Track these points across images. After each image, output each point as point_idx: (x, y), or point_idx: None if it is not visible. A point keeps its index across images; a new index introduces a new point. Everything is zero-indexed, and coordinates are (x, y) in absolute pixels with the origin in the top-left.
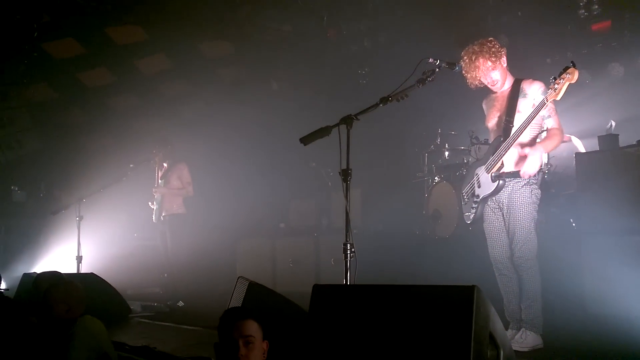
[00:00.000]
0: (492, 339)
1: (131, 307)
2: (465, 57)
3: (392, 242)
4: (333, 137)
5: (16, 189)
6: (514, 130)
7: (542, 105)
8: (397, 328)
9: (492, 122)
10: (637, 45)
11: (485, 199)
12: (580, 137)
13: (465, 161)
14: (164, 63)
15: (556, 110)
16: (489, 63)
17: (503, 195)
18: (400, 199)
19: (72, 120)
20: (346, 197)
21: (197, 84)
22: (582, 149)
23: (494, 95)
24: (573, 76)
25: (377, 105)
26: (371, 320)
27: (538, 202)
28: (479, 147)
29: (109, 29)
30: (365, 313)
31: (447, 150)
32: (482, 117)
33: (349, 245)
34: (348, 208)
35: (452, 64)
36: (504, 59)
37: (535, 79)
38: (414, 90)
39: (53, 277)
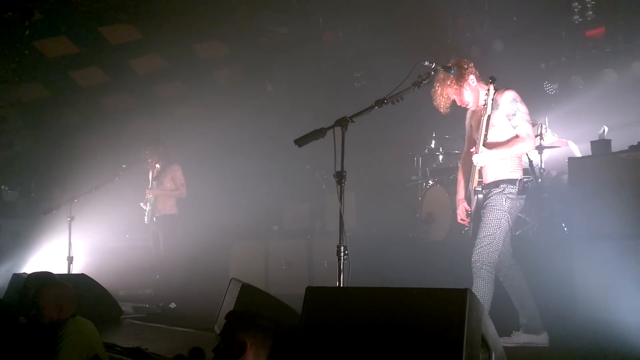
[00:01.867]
0: (484, 341)
1: (123, 309)
2: (434, 86)
3: (386, 245)
4: (328, 140)
5: (6, 188)
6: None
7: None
8: (390, 331)
9: (470, 138)
10: (631, 51)
11: (473, 213)
12: (576, 142)
13: (459, 165)
14: (158, 63)
15: (526, 119)
16: (451, 90)
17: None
18: (394, 202)
19: (64, 120)
20: (340, 199)
21: (191, 85)
22: (578, 154)
23: (472, 111)
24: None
25: (372, 107)
26: (364, 323)
27: (511, 212)
28: None
29: (102, 27)
30: (358, 315)
31: (441, 154)
32: None
33: (342, 248)
34: (342, 211)
35: (448, 67)
36: (471, 77)
37: (508, 87)
38: (409, 93)
39: (44, 278)
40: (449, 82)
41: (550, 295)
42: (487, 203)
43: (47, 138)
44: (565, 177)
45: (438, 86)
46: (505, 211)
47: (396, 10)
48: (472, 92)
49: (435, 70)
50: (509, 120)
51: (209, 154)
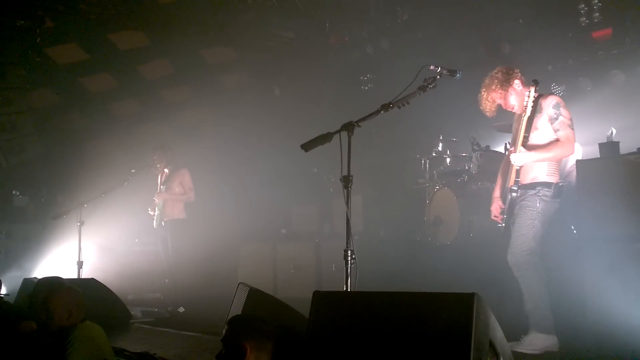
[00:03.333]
0: (492, 346)
1: (132, 313)
2: (480, 91)
3: (394, 248)
4: (335, 143)
5: (17, 193)
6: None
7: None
8: (397, 335)
9: (515, 139)
10: (638, 52)
11: (506, 210)
12: (581, 144)
13: (467, 168)
14: (166, 69)
15: (568, 124)
16: (497, 94)
17: (517, 205)
18: (401, 206)
19: (74, 125)
20: (347, 203)
21: (199, 90)
22: (579, 156)
23: (519, 114)
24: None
25: (378, 112)
26: (371, 327)
27: (544, 214)
28: (480, 154)
29: (111, 34)
30: (365, 320)
31: (448, 157)
32: (483, 124)
33: (349, 252)
34: (349, 214)
35: (453, 71)
36: (516, 82)
37: (552, 93)
38: (415, 97)
39: (54, 283)
40: (494, 87)
41: (559, 299)
42: (522, 204)
43: (58, 143)
44: (574, 179)
45: (484, 91)
46: (538, 212)
47: (402, 14)
48: (517, 96)
49: (440, 74)
50: (552, 124)
51: (216, 158)
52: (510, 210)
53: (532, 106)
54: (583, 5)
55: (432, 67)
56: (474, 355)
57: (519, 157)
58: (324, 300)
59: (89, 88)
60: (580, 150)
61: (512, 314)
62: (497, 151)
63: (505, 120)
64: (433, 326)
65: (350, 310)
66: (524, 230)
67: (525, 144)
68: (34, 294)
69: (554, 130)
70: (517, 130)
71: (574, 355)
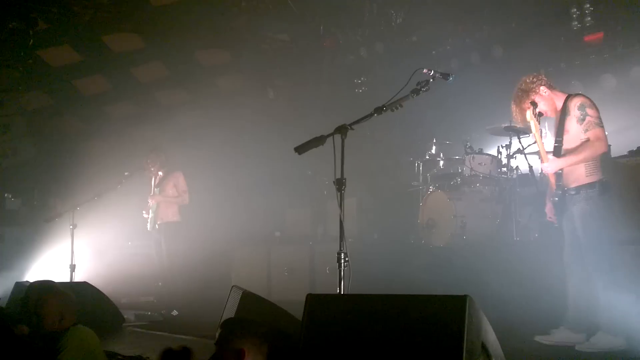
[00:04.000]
0: (484, 348)
1: (125, 316)
2: (511, 104)
3: (387, 250)
4: (329, 145)
5: (10, 196)
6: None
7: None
8: (390, 337)
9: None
10: (630, 56)
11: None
12: None
13: (460, 170)
14: (160, 71)
15: (595, 123)
16: (526, 105)
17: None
18: (395, 208)
19: (68, 128)
20: (340, 206)
21: (193, 92)
22: None
23: (554, 118)
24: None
25: (371, 115)
26: (364, 330)
27: (592, 215)
28: (473, 157)
29: (105, 36)
30: (358, 322)
31: (441, 160)
32: (476, 127)
33: (342, 255)
34: (342, 217)
35: (446, 74)
36: (542, 88)
37: (578, 94)
38: (408, 100)
39: (45, 286)
40: (520, 98)
41: (552, 301)
42: (573, 209)
43: (51, 146)
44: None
45: (513, 103)
46: (588, 215)
47: (396, 17)
48: (545, 102)
49: (433, 77)
50: (580, 125)
51: (210, 161)
52: (558, 212)
53: (561, 109)
54: (575, 10)
55: (425, 71)
56: (466, 358)
57: (549, 166)
58: (317, 303)
59: (82, 90)
60: None
61: (505, 316)
62: (490, 154)
63: (497, 124)
64: (426, 328)
65: (344, 313)
66: (581, 233)
67: (559, 149)
68: (26, 298)
69: (582, 130)
70: (555, 135)
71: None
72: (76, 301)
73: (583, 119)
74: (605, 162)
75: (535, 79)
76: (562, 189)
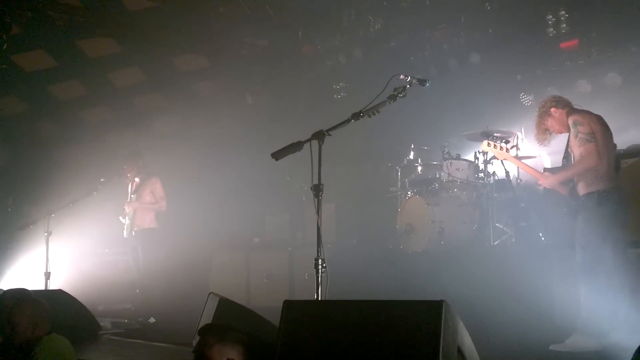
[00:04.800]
0: (460, 352)
1: (101, 324)
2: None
3: (366, 256)
4: (307, 151)
5: None
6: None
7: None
8: (367, 343)
9: None
10: (604, 63)
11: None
12: (548, 153)
13: (438, 176)
14: (137, 76)
15: (584, 139)
16: (544, 126)
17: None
18: (373, 214)
19: (43, 133)
20: (318, 212)
21: (171, 98)
22: (548, 164)
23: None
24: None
25: (348, 120)
26: (341, 336)
27: (589, 223)
28: (450, 162)
29: (81, 41)
30: (335, 328)
31: (419, 165)
32: (454, 133)
33: (320, 261)
34: (320, 223)
35: (423, 80)
36: (552, 110)
37: (575, 112)
38: (385, 106)
39: (19, 295)
40: (539, 120)
41: (528, 303)
42: (578, 217)
43: (25, 152)
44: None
45: (535, 126)
46: (586, 222)
47: (374, 23)
48: (555, 122)
49: (410, 83)
50: (576, 141)
51: (188, 167)
52: (572, 218)
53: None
54: (551, 17)
55: (402, 77)
56: None
57: (545, 182)
58: (294, 309)
59: (57, 96)
60: (549, 159)
61: (481, 320)
62: (468, 159)
63: (474, 129)
64: (402, 333)
65: (320, 319)
66: (582, 241)
67: (565, 165)
68: None
69: (578, 146)
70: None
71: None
72: (50, 309)
73: (576, 136)
74: (607, 173)
75: (546, 102)
76: (576, 198)
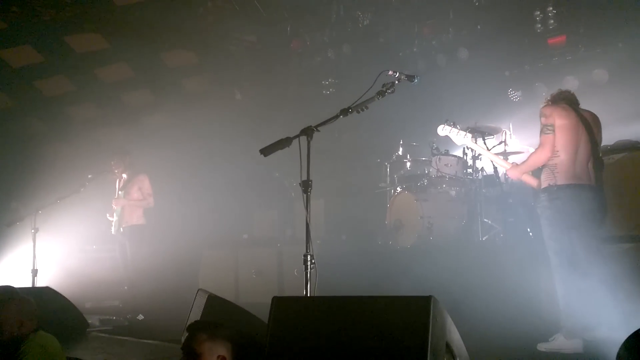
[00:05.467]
0: (448, 348)
1: (89, 322)
2: None
3: (355, 252)
4: (296, 147)
5: None
6: None
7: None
8: (355, 339)
9: None
10: (591, 59)
11: None
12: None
13: (427, 172)
14: (125, 72)
15: (541, 130)
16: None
17: None
18: (362, 210)
19: (30, 130)
20: (306, 208)
21: (159, 94)
22: None
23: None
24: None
25: (337, 116)
26: (330, 332)
27: (548, 217)
28: (439, 158)
29: (68, 36)
30: (323, 325)
31: (408, 161)
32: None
33: (309, 257)
34: (308, 219)
35: (411, 76)
36: (545, 109)
37: (546, 106)
38: (373, 102)
39: (5, 292)
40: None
41: (516, 299)
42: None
43: (12, 148)
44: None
45: None
46: (541, 218)
47: (362, 19)
48: (547, 119)
49: (399, 79)
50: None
51: (177, 163)
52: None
53: None
54: (539, 13)
55: (390, 72)
56: (431, 357)
57: (510, 173)
58: (282, 305)
59: (44, 91)
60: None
61: (469, 315)
62: (456, 155)
63: (462, 125)
64: (391, 329)
65: (309, 315)
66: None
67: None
68: None
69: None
70: None
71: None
72: (36, 307)
73: (540, 128)
74: (567, 169)
75: (543, 102)
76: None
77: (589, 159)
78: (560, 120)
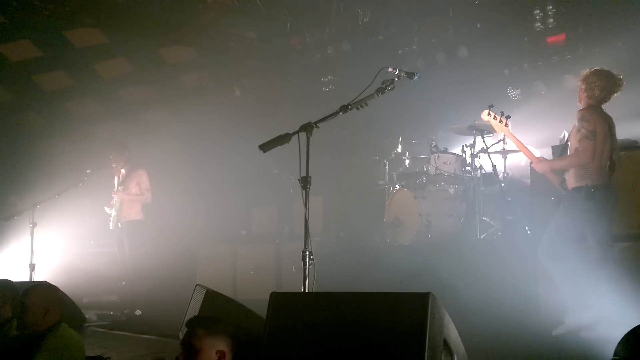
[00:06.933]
0: (446, 345)
1: (86, 316)
2: None
3: (353, 249)
4: (295, 143)
5: None
6: None
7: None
8: (353, 335)
9: None
10: (591, 57)
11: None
12: (534, 147)
13: (425, 169)
14: (124, 67)
15: (585, 136)
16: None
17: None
18: (361, 207)
19: (28, 124)
20: (305, 204)
21: (158, 90)
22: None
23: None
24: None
25: (336, 113)
26: (328, 328)
27: (576, 216)
28: (438, 156)
29: (67, 31)
30: (321, 321)
31: (407, 159)
32: (441, 126)
33: (307, 253)
34: (307, 216)
35: (411, 73)
36: (581, 87)
37: (584, 107)
38: (373, 99)
39: (3, 286)
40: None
41: (514, 297)
42: (565, 205)
43: (10, 143)
44: (528, 181)
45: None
46: (571, 214)
47: (362, 16)
48: (578, 96)
49: (398, 76)
50: (577, 135)
51: (175, 159)
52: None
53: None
54: (538, 11)
55: (390, 70)
56: (429, 354)
57: (537, 166)
58: (281, 301)
59: (43, 86)
60: (536, 152)
61: (467, 312)
62: (455, 153)
63: (461, 123)
64: (389, 325)
65: (307, 311)
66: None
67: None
68: None
69: (577, 140)
70: None
71: (525, 353)
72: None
73: (579, 130)
74: (598, 170)
75: (588, 76)
76: (563, 187)
77: (609, 159)
78: (601, 127)
